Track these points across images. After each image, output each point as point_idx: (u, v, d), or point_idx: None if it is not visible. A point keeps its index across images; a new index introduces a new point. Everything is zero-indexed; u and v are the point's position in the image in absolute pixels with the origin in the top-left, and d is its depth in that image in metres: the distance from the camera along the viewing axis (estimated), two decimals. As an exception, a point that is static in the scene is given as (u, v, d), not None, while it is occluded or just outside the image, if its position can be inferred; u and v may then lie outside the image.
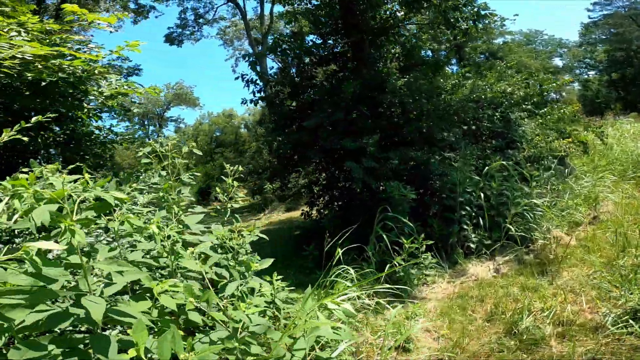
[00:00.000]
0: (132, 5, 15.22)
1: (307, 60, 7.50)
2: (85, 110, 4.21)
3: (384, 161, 5.65)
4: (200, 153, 2.98)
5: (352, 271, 3.76)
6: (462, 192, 5.75)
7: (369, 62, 6.85)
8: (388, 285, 3.75)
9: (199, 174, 3.02)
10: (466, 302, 4.31)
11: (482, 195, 5.78)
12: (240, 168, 3.47)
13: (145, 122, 31.58)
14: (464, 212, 5.71)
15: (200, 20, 18.33)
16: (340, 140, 5.80)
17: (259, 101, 7.73)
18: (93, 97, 4.14)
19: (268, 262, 2.65)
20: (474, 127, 7.57)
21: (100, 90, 4.17)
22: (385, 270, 4.22)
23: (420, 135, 6.04)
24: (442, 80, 7.38)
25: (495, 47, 31.20)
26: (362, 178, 5.34)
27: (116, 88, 4.20)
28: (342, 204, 7.02)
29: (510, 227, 5.62)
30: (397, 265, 4.40)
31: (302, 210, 7.80)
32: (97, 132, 4.66)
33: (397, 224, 5.30)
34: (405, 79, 6.49)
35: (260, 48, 16.53)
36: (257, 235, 3.15)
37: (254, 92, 7.44)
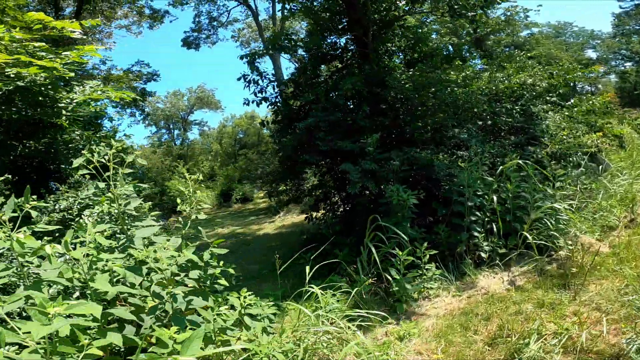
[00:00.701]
0: (147, 11, 15.54)
1: (308, 58, 7.18)
2: (64, 117, 4.11)
3: (384, 162, 5.21)
4: (145, 163, 2.72)
5: (316, 290, 3.38)
6: (472, 195, 5.19)
7: (373, 57, 6.42)
8: (361, 312, 3.32)
9: (146, 186, 2.77)
10: (470, 321, 3.80)
11: (495, 198, 5.19)
12: (201, 177, 3.18)
13: (170, 126, 32.48)
14: (474, 218, 5.15)
15: (215, 23, 18.45)
16: (339, 141, 5.43)
17: (262, 102, 7.48)
18: (63, 105, 4.02)
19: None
20: (490, 122, 6.93)
21: (71, 97, 4.04)
22: (361, 287, 3.78)
23: (427, 133, 5.55)
24: (453, 73, 6.80)
25: (522, 39, 29.46)
26: (359, 182, 4.94)
27: (89, 94, 4.07)
28: (345, 209, 6.65)
29: (529, 233, 5.03)
30: (392, 278, 3.98)
31: (307, 214, 7.49)
32: (77, 139, 4.56)
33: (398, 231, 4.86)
34: (410, 72, 6.00)
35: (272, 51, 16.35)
36: (211, 253, 2.86)
37: (255, 93, 7.21)
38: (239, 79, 7.40)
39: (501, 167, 5.28)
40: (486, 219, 5.26)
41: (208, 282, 3.06)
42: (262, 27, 17.17)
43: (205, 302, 2.30)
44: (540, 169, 5.50)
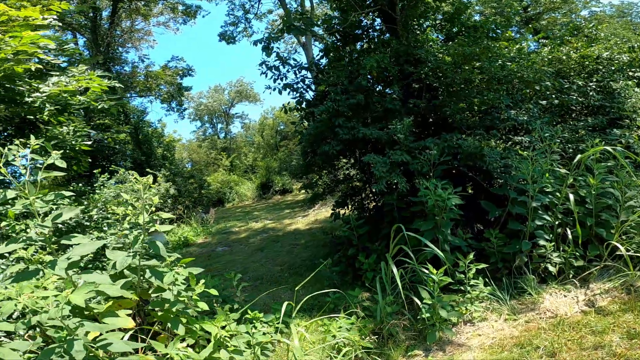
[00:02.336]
0: (180, 7, 15.38)
1: (331, 39, 6.18)
2: (47, 112, 3.62)
3: (418, 153, 4.12)
4: (64, 165, 1.99)
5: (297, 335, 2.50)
6: (538, 192, 3.92)
7: (402, 33, 5.25)
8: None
9: (67, 193, 2.08)
10: (527, 356, 2.72)
11: (571, 196, 3.89)
12: (150, 179, 2.40)
13: (214, 120, 33.12)
14: (540, 222, 3.89)
15: (249, 15, 17.96)
16: (362, 128, 4.44)
17: (284, 89, 6.64)
18: (31, 100, 3.51)
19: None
20: (557, 102, 5.48)
21: (41, 90, 3.52)
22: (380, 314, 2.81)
23: (473, 116, 4.36)
24: (503, 48, 5.40)
25: (581, 19, 25.40)
26: (385, 176, 3.92)
27: (59, 87, 3.53)
28: (373, 208, 5.65)
29: (619, 241, 3.71)
30: (421, 303, 2.98)
31: (333, 211, 6.56)
32: (65, 135, 4.08)
33: (439, 235, 3.79)
34: (449, 45, 4.77)
35: (304, 38, 15.43)
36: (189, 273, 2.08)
37: (274, 79, 6.37)
38: (260, 65, 6.62)
39: (579, 155, 3.93)
40: (557, 223, 3.98)
41: (177, 307, 2.32)
42: (290, 16, 16.27)
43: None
44: (634, 156, 4.05)
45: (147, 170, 14.03)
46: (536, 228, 3.87)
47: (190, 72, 15.65)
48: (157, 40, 17.08)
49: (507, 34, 6.19)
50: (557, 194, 3.98)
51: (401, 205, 4.46)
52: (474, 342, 3.16)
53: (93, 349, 1.54)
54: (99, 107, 4.12)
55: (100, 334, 2.09)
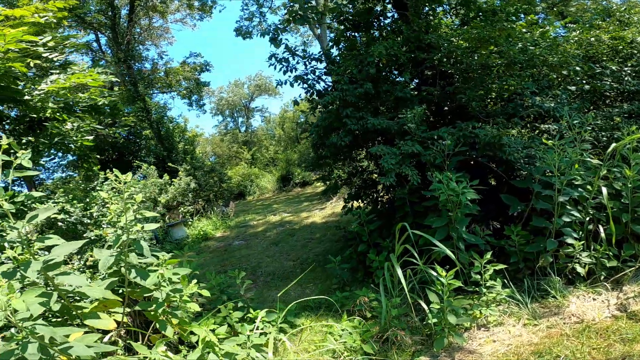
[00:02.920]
0: (196, 4, 15.37)
1: (340, 27, 5.87)
2: (50, 111, 3.60)
3: (431, 143, 3.81)
4: (30, 165, 1.88)
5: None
6: (566, 185, 3.54)
7: (414, 19, 4.87)
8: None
9: (37, 194, 1.96)
10: None
11: (604, 189, 3.48)
12: (129, 177, 2.27)
13: (235, 114, 33.41)
14: (567, 218, 3.51)
15: (263, 9, 17.72)
16: (370, 118, 4.17)
17: (296, 81, 6.43)
18: (29, 98, 3.48)
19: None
20: (587, 88, 4.96)
21: (39, 87, 3.49)
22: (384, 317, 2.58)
23: (492, 103, 3.99)
24: (524, 31, 4.89)
25: (613, 5, 23.20)
26: (394, 168, 3.65)
27: (56, 84, 3.48)
28: (387, 201, 5.38)
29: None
30: (428, 309, 2.73)
31: (345, 204, 6.33)
32: (69, 132, 4.06)
33: (453, 232, 3.49)
34: (465, 28, 4.37)
35: (319, 30, 15.05)
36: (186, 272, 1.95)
37: (284, 71, 6.17)
38: (269, 58, 6.43)
39: (614, 144, 3.49)
40: (587, 219, 3.57)
41: (162, 309, 2.21)
42: (295, 5, 15.87)
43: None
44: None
45: (169, 164, 14.33)
46: (563, 225, 3.50)
47: (207, 67, 15.69)
48: (175, 37, 17.26)
49: (530, 17, 5.66)
50: (588, 187, 3.57)
51: (414, 200, 4.17)
52: (487, 349, 2.88)
53: (55, 352, 1.44)
54: (100, 103, 4.08)
55: (87, 332, 2.01)
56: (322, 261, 6.20)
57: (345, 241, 6.37)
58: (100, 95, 4.08)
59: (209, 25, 44.18)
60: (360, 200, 6.09)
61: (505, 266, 3.40)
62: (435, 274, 2.89)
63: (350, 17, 5.71)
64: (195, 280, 2.51)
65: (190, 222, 11.06)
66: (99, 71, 3.73)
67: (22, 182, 9.02)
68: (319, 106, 5.59)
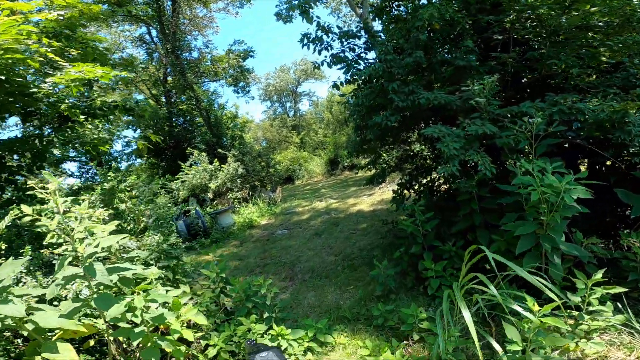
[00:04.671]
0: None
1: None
2: (64, 107, 3.32)
3: (509, 122, 2.78)
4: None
5: None
6: None
7: None
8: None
9: None
10: None
11: None
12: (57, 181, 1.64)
13: (282, 99, 33.14)
14: None
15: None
16: (422, 92, 3.24)
17: (334, 62, 5.58)
18: (35, 90, 3.18)
19: None
20: None
21: (47, 80, 3.18)
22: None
23: (592, 68, 2.82)
24: None
25: None
26: (458, 155, 2.72)
27: (63, 75, 3.12)
28: (444, 192, 4.41)
29: None
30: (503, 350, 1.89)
31: (395, 193, 5.40)
32: (92, 131, 3.80)
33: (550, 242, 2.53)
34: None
35: (361, 9, 13.63)
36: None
37: (319, 51, 5.34)
38: (301, 40, 5.60)
39: None
40: None
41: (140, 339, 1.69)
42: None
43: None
44: None
45: (219, 150, 14.44)
46: None
47: (251, 54, 15.31)
48: (219, 26, 17.02)
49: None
50: None
51: (484, 194, 3.21)
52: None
53: None
54: (127, 106, 3.79)
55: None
56: (366, 258, 5.48)
57: (394, 238, 5.54)
58: (125, 100, 3.80)
59: (251, 11, 43.70)
60: (412, 190, 5.19)
61: (625, 290, 2.38)
62: (520, 309, 2.01)
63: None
64: (191, 304, 1.96)
65: (237, 209, 10.97)
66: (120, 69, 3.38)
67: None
68: (359, 83, 4.72)
